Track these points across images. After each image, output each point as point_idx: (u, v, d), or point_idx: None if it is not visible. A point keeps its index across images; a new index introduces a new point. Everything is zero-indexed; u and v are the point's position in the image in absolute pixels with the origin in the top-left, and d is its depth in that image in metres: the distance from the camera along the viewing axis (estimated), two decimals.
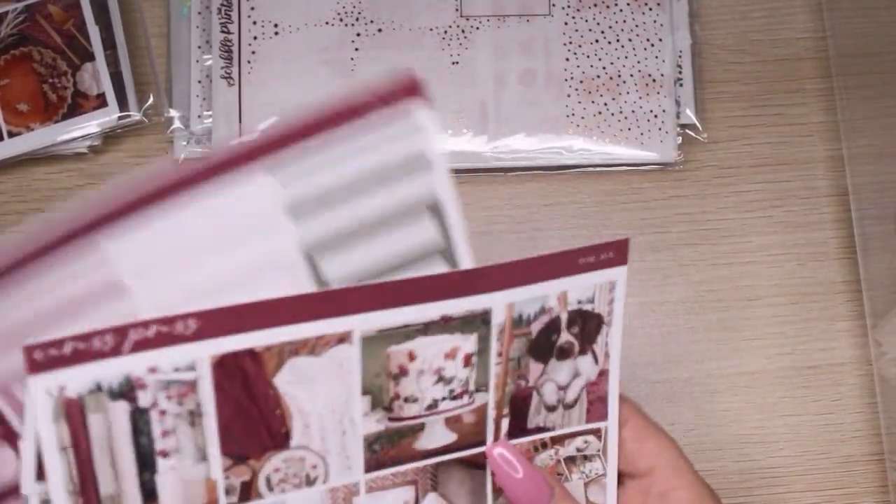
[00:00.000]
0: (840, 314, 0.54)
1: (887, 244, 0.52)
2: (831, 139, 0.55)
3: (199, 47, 0.54)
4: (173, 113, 0.53)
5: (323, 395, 0.32)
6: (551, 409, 0.37)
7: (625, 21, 0.55)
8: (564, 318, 0.36)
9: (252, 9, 0.54)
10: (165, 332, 0.29)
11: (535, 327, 0.35)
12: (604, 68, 0.54)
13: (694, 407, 0.52)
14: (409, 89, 0.35)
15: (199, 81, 0.54)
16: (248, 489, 0.32)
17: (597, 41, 0.54)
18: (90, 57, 0.53)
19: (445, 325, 0.34)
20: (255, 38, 0.53)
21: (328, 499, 0.33)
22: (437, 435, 0.35)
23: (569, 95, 0.54)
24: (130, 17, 0.55)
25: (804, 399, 0.53)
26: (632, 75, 0.54)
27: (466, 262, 0.35)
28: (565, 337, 0.36)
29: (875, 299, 0.52)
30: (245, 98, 0.53)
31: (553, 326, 0.36)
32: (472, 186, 0.54)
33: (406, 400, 0.34)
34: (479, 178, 0.54)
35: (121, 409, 0.30)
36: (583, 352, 0.37)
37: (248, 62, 0.53)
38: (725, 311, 0.53)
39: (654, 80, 0.54)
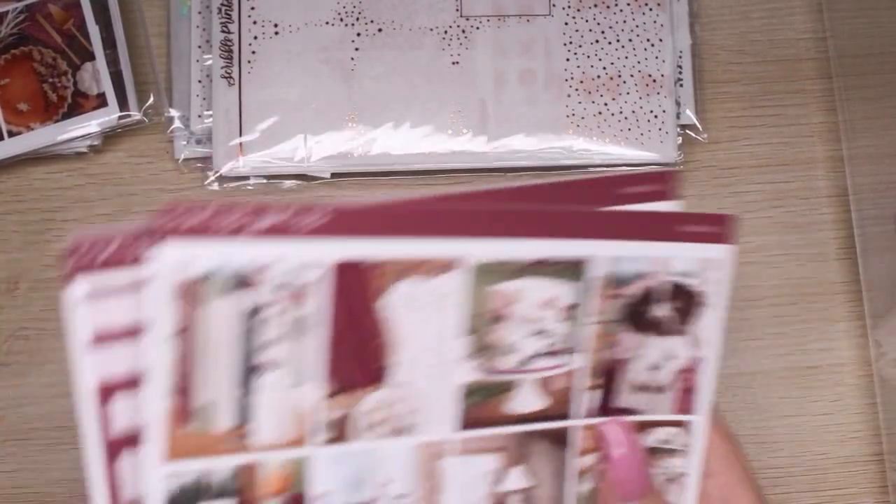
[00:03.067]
0: (840, 314, 0.54)
1: (887, 244, 0.52)
2: (831, 139, 0.55)
3: (200, 47, 0.54)
4: (173, 112, 0.53)
5: (425, 327, 0.31)
6: (641, 389, 0.34)
7: (625, 21, 0.55)
8: (665, 288, 0.34)
9: (252, 8, 0.54)
10: (296, 223, 0.28)
11: (633, 291, 0.33)
12: (604, 68, 0.54)
13: None
14: None
15: (200, 81, 0.54)
16: (341, 430, 0.31)
17: (597, 41, 0.54)
18: (90, 56, 0.53)
19: (545, 268, 0.32)
20: (255, 37, 0.53)
21: (419, 457, 0.32)
22: (529, 397, 0.33)
23: (569, 95, 0.54)
24: (131, 17, 0.55)
25: (804, 399, 0.53)
26: (632, 75, 0.54)
27: None
28: (663, 310, 0.34)
29: (875, 299, 0.52)
30: (245, 98, 0.53)
31: (652, 294, 0.34)
32: (472, 187, 0.54)
33: (504, 350, 0.32)
34: (478, 178, 0.54)
35: (235, 303, 0.28)
36: (679, 331, 0.35)
37: (249, 62, 0.53)
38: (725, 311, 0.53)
39: (654, 81, 0.54)
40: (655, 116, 0.54)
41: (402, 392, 0.31)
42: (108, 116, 0.52)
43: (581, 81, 0.54)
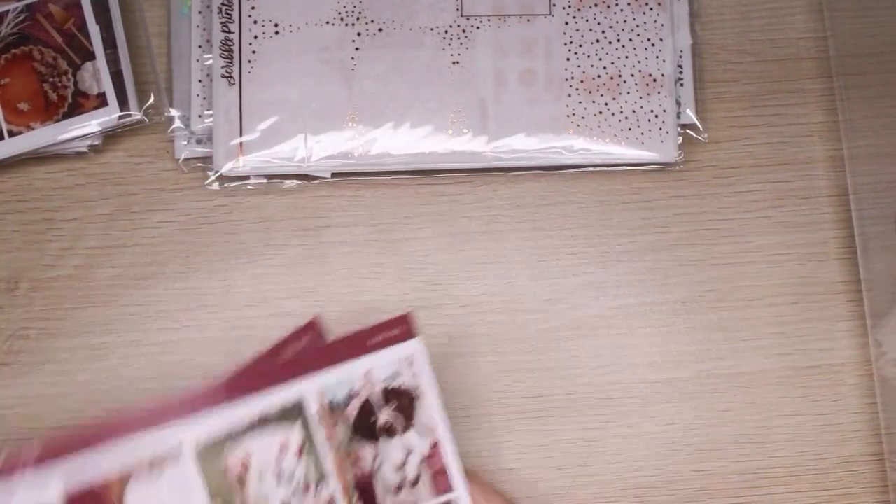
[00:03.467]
0: (840, 314, 0.54)
1: (887, 244, 0.52)
2: (831, 139, 0.55)
3: (200, 46, 0.54)
4: (174, 112, 0.53)
5: None
6: (397, 489, 0.38)
7: (625, 21, 0.55)
8: (376, 397, 0.38)
9: (252, 8, 0.54)
10: (10, 466, 0.32)
11: (351, 411, 0.38)
12: (604, 68, 0.54)
13: (694, 407, 0.52)
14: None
15: (200, 81, 0.54)
16: None
17: (597, 41, 0.54)
18: (91, 56, 0.53)
19: (267, 422, 0.36)
20: (255, 37, 0.53)
21: None
22: None
23: (569, 95, 0.54)
24: (131, 17, 0.55)
25: (804, 399, 0.53)
26: (632, 75, 0.54)
27: None
28: (384, 416, 0.38)
29: (875, 299, 0.52)
30: (245, 97, 0.53)
31: (368, 408, 0.38)
32: (472, 186, 0.54)
33: (257, 500, 0.35)
34: (479, 177, 0.54)
35: None
36: (408, 426, 0.38)
37: (249, 61, 0.53)
38: (725, 311, 0.53)
39: (654, 80, 0.54)
40: (656, 116, 0.54)
41: None
42: (108, 116, 0.52)
43: (581, 81, 0.54)
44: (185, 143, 0.53)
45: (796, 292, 0.54)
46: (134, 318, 0.52)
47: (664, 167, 0.54)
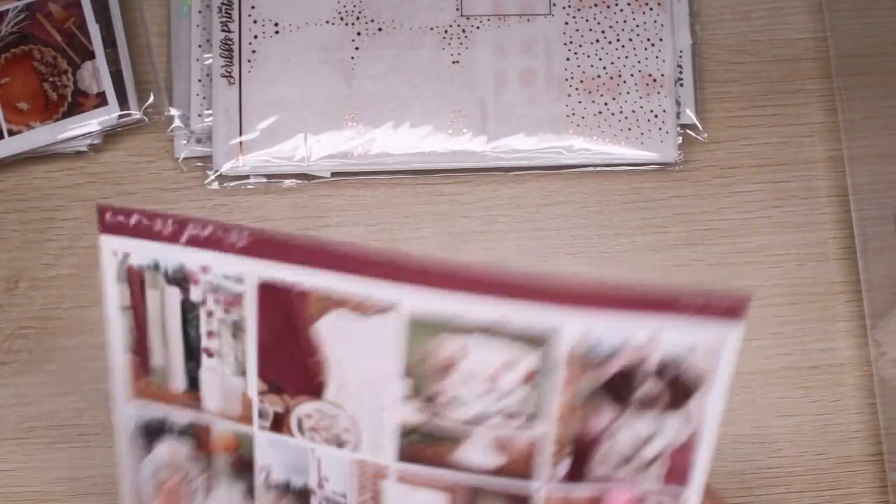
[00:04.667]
0: (839, 314, 0.54)
1: (887, 244, 0.52)
2: (831, 139, 0.55)
3: (200, 46, 0.54)
4: (173, 112, 0.53)
5: (362, 360, 0.31)
6: (624, 462, 0.33)
7: (625, 21, 0.55)
8: (649, 364, 0.31)
9: (252, 7, 0.53)
10: (218, 238, 0.31)
11: (610, 367, 0.31)
12: (604, 68, 0.54)
13: None
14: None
15: (200, 80, 0.54)
16: (280, 421, 0.33)
17: (597, 41, 0.54)
18: (90, 55, 0.53)
19: (506, 331, 0.30)
20: (255, 36, 0.53)
21: (356, 470, 0.33)
22: (480, 452, 0.32)
23: (569, 95, 0.54)
24: (131, 16, 0.55)
25: (803, 399, 0.53)
26: (632, 75, 0.54)
27: None
28: (650, 386, 0.32)
29: (875, 299, 0.52)
30: (245, 97, 0.53)
31: (632, 371, 0.31)
32: (472, 186, 0.54)
33: (451, 400, 0.31)
34: (478, 177, 0.54)
35: (174, 295, 0.32)
36: (669, 408, 0.32)
37: (249, 61, 0.53)
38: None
39: (654, 80, 0.54)
40: (655, 116, 0.54)
41: (336, 410, 0.32)
42: (108, 115, 0.52)
43: (581, 81, 0.54)
44: (185, 142, 0.53)
45: (796, 292, 0.54)
46: None
47: (664, 167, 0.54)
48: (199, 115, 0.53)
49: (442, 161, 0.53)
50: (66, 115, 0.52)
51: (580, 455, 0.32)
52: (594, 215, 0.54)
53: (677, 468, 0.33)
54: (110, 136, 0.53)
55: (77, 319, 0.52)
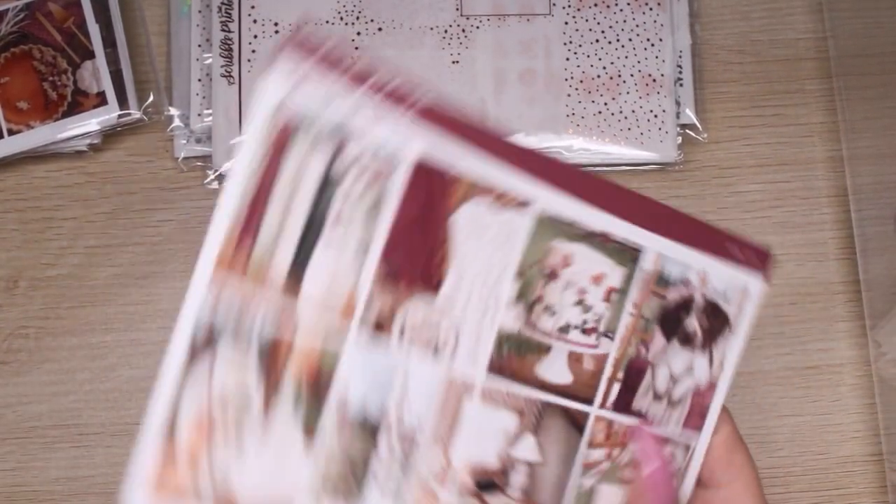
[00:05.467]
0: (839, 314, 0.54)
1: (887, 244, 0.52)
2: (831, 139, 0.55)
3: (200, 46, 0.54)
4: (173, 111, 0.53)
5: (484, 257, 0.32)
6: (657, 397, 0.35)
7: (625, 21, 0.55)
8: (701, 301, 0.34)
9: (252, 7, 0.54)
10: (395, 99, 0.29)
11: (672, 295, 0.34)
12: (604, 68, 0.54)
13: None
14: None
15: (200, 80, 0.54)
16: (381, 322, 0.31)
17: (597, 41, 0.54)
18: (90, 55, 0.53)
19: (604, 242, 0.33)
20: (255, 36, 0.53)
21: (442, 390, 0.32)
22: (557, 367, 0.33)
23: (569, 95, 0.54)
24: (131, 16, 0.55)
25: (803, 399, 0.53)
26: (632, 75, 0.54)
27: None
28: (694, 323, 0.35)
29: (874, 300, 0.52)
30: (245, 96, 0.53)
31: (687, 304, 0.34)
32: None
33: (546, 309, 0.32)
34: None
35: (319, 161, 0.29)
36: (703, 349, 0.35)
37: (249, 61, 0.53)
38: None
39: (654, 80, 0.54)
40: (655, 116, 0.54)
41: (445, 309, 0.32)
42: (107, 115, 0.52)
43: (581, 81, 0.54)
44: (185, 142, 0.53)
45: (796, 292, 0.54)
46: (133, 317, 0.52)
47: (663, 167, 0.54)
48: (199, 115, 0.53)
49: None
50: (65, 115, 0.52)
51: (628, 383, 0.34)
52: None
53: (696, 412, 0.35)
54: (110, 135, 0.53)
55: (77, 319, 0.52)
